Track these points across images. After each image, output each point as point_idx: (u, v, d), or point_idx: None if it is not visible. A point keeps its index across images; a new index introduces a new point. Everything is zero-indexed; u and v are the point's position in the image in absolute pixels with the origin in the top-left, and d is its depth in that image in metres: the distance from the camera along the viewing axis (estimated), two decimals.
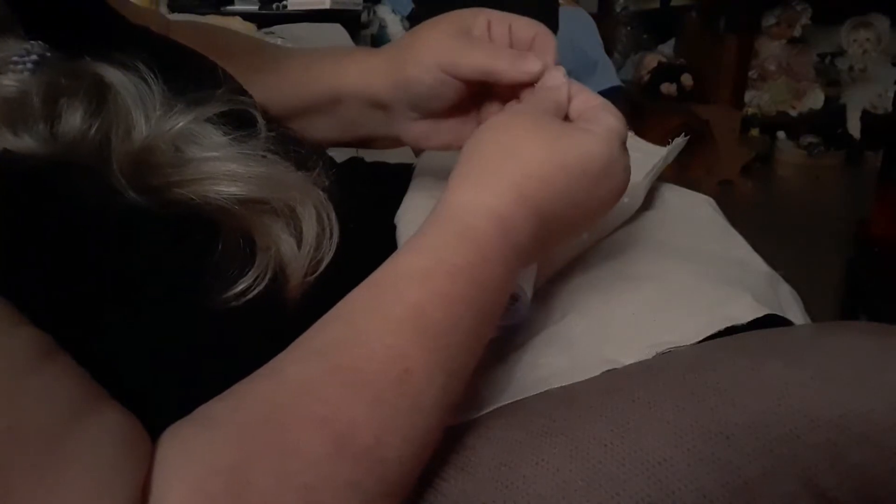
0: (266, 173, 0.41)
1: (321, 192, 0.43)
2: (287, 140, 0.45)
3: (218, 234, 0.38)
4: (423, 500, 0.37)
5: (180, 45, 0.50)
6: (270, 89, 0.57)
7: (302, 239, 0.41)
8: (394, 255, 0.40)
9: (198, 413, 0.33)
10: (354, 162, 0.68)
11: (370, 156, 0.70)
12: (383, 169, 0.69)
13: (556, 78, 0.48)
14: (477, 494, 0.36)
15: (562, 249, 0.53)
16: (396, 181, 0.61)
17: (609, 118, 0.44)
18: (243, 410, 0.33)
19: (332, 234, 0.42)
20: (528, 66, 0.48)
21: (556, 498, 0.35)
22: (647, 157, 0.63)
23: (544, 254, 0.46)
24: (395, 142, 0.57)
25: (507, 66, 0.48)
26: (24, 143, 0.35)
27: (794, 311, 0.53)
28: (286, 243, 0.40)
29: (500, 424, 0.40)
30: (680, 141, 0.64)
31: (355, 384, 0.34)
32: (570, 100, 0.47)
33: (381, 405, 0.34)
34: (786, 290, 0.56)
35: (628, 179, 0.45)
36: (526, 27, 0.52)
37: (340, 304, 0.38)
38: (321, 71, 0.57)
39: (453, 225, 0.40)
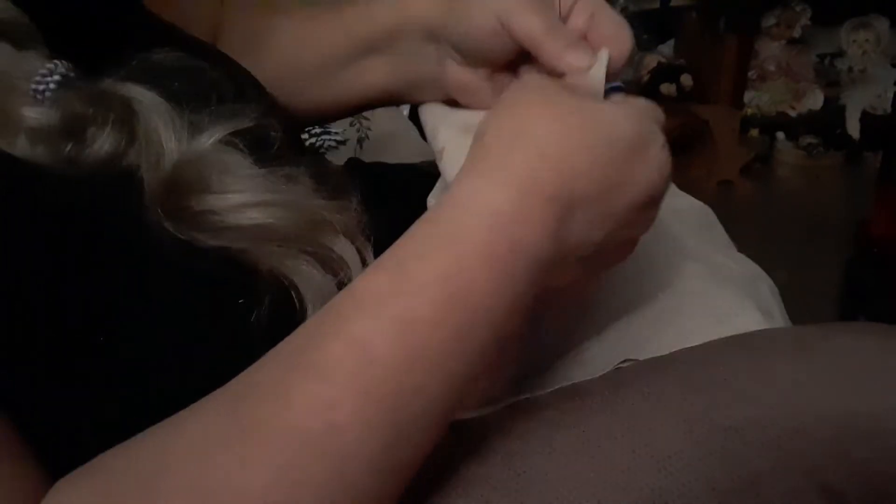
0: (295, 201, 0.39)
1: (354, 222, 0.41)
2: (316, 168, 0.44)
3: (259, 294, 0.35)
4: (432, 479, 0.37)
5: (209, 50, 0.50)
6: (333, 32, 0.54)
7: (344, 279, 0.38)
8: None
9: (86, 468, 0.30)
10: (353, 163, 0.69)
11: (370, 156, 0.70)
12: (383, 169, 0.69)
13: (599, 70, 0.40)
14: (490, 478, 0.36)
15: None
16: (396, 181, 0.62)
17: (635, 99, 0.39)
18: (123, 472, 0.29)
19: (364, 263, 0.39)
20: (574, 61, 0.41)
21: (567, 488, 0.35)
22: None
23: (584, 258, 0.37)
24: (440, 91, 0.51)
25: (553, 49, 0.41)
26: (35, 154, 0.35)
27: (776, 311, 0.53)
28: (324, 288, 0.37)
29: (511, 417, 0.40)
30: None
31: (256, 444, 0.28)
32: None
33: (288, 473, 0.28)
34: (766, 289, 0.56)
35: (669, 164, 0.38)
36: (608, 22, 0.43)
37: (283, 341, 0.32)
38: (384, 1, 0.52)
39: (431, 230, 0.33)
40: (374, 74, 0.54)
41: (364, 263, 0.39)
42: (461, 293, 0.31)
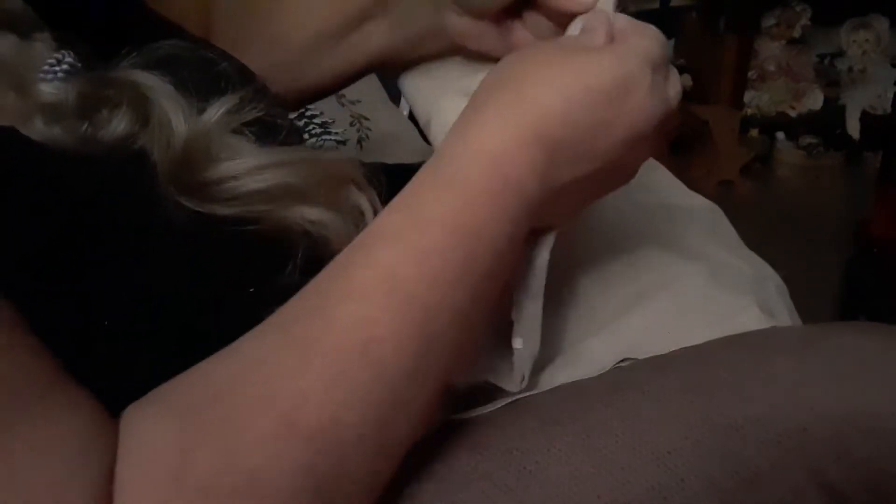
0: (307, 158, 0.40)
1: (362, 173, 0.42)
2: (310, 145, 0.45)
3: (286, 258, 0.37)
4: (433, 476, 0.37)
5: (207, 45, 0.50)
6: (323, 7, 0.54)
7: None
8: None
9: (152, 393, 0.32)
10: None
11: (370, 156, 0.71)
12: (382, 169, 0.69)
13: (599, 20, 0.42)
14: (489, 475, 0.36)
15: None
16: (396, 181, 0.62)
17: (635, 38, 0.40)
18: (193, 390, 0.32)
19: (376, 213, 0.40)
20: None
21: (567, 484, 0.35)
22: None
23: (571, 205, 0.41)
24: (443, 43, 0.51)
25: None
26: (52, 134, 0.35)
27: (780, 309, 0.54)
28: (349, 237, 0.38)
29: (511, 414, 0.40)
30: None
31: (311, 357, 0.32)
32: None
33: (340, 379, 0.31)
34: (772, 287, 0.56)
35: (661, 105, 0.39)
36: None
37: (317, 276, 0.35)
38: None
39: (435, 173, 0.37)
40: (371, 40, 0.54)
41: (377, 212, 0.41)
42: (466, 225, 0.35)
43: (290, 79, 0.56)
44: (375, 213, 0.41)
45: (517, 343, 0.42)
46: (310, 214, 0.39)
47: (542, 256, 0.42)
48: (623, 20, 0.42)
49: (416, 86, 0.54)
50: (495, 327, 0.43)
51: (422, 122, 0.53)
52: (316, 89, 0.59)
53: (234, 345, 0.33)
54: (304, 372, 0.31)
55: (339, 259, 0.35)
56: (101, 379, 0.32)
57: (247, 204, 0.38)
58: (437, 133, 0.50)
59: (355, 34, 0.54)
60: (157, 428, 0.30)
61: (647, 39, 0.40)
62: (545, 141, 0.37)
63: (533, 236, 0.41)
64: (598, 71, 0.38)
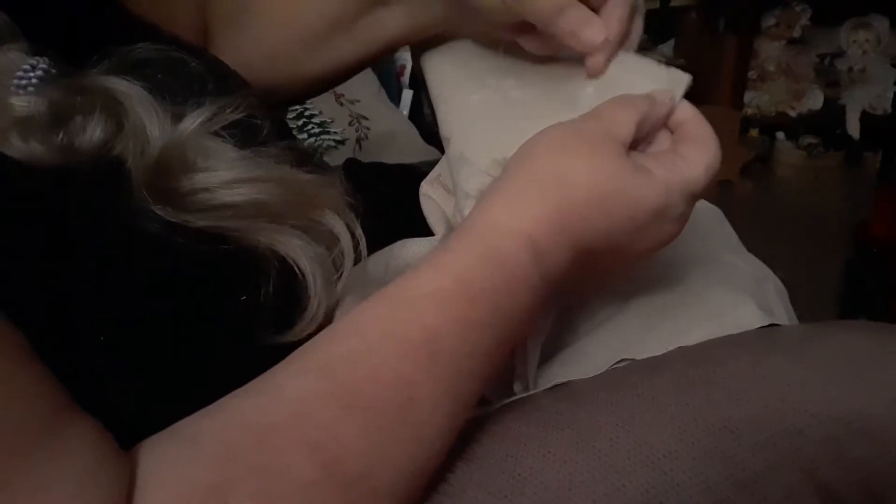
0: (283, 177, 0.40)
1: (341, 197, 0.42)
2: (297, 150, 0.45)
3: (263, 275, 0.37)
4: (433, 482, 0.37)
5: (187, 45, 0.50)
6: None
7: (341, 257, 0.40)
8: (413, 268, 0.38)
9: (180, 428, 0.32)
10: (351, 163, 0.68)
11: (368, 156, 0.71)
12: (382, 169, 0.69)
13: (664, 95, 0.43)
14: (484, 483, 0.36)
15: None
16: (394, 181, 0.62)
17: (687, 166, 0.41)
18: (232, 428, 0.32)
19: (358, 242, 0.41)
20: (591, 36, 0.43)
21: (563, 489, 0.35)
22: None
23: (573, 290, 0.44)
24: (464, 28, 0.50)
25: (567, 31, 0.42)
26: (30, 149, 0.35)
27: (780, 309, 0.53)
28: (319, 262, 0.39)
29: (505, 418, 0.40)
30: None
31: (355, 408, 0.33)
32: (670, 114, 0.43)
33: (380, 433, 0.33)
34: (772, 288, 0.56)
35: (679, 231, 0.42)
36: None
37: (352, 316, 0.36)
38: None
39: (481, 245, 0.38)
40: (389, 26, 0.53)
41: (353, 237, 0.41)
42: (505, 306, 0.37)
43: (291, 65, 0.55)
44: (354, 236, 0.41)
45: (517, 387, 0.44)
46: (281, 238, 0.39)
47: (550, 315, 0.44)
48: (689, 114, 0.43)
49: (434, 67, 0.53)
50: None
51: (434, 104, 0.53)
52: (334, 74, 0.58)
53: (271, 383, 0.34)
54: (346, 423, 0.32)
55: (382, 310, 0.36)
56: (92, 399, 0.31)
57: (219, 218, 0.37)
58: (444, 128, 0.50)
59: (368, 18, 0.53)
60: (192, 466, 0.30)
61: (700, 163, 0.41)
62: (579, 248, 0.39)
63: None
64: (644, 204, 0.39)
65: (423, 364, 0.34)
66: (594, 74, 0.45)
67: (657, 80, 0.44)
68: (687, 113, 0.43)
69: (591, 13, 0.43)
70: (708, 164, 0.41)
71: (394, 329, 0.35)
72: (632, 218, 0.39)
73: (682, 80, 0.44)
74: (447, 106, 0.51)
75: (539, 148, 0.40)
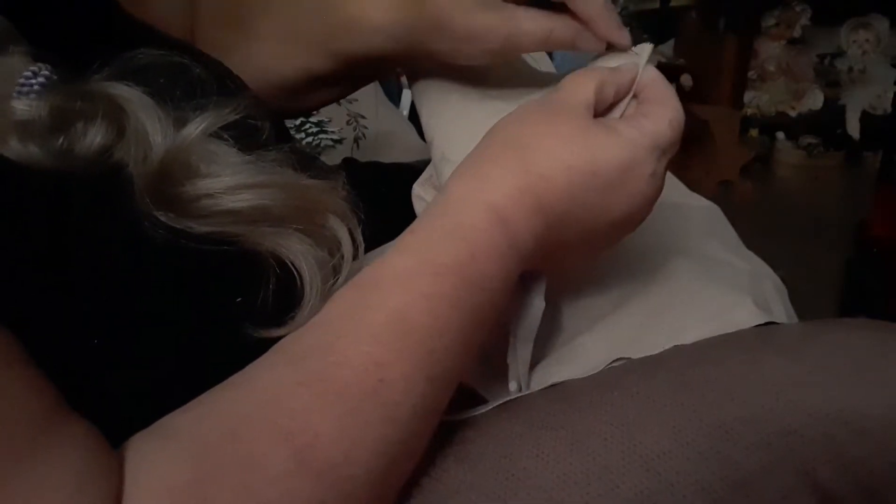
0: (286, 182, 0.40)
1: (343, 202, 0.42)
2: (299, 153, 0.45)
3: (261, 273, 0.38)
4: (421, 489, 0.37)
5: (188, 48, 0.50)
6: (313, 55, 0.53)
7: (341, 261, 0.40)
8: (381, 255, 0.38)
9: (160, 425, 0.32)
10: (348, 163, 0.68)
11: (366, 156, 0.70)
12: (379, 169, 0.69)
13: (627, 60, 0.45)
14: (477, 485, 0.36)
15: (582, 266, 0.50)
16: (392, 180, 0.61)
17: (651, 122, 0.42)
18: (206, 422, 0.32)
19: (359, 248, 0.41)
20: (621, 38, 0.45)
21: (556, 489, 0.35)
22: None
23: (557, 264, 0.43)
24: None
25: (607, 25, 0.44)
26: (28, 152, 0.35)
27: (778, 307, 0.53)
28: (321, 266, 0.39)
29: (500, 418, 0.40)
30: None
31: (325, 395, 0.33)
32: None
33: (352, 417, 0.33)
34: (770, 286, 0.56)
35: (656, 194, 0.42)
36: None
37: (325, 307, 0.37)
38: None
39: (444, 221, 0.38)
40: (365, 75, 0.55)
41: (355, 242, 0.42)
42: (473, 277, 0.37)
43: (284, 104, 0.55)
44: (354, 243, 0.42)
45: (513, 386, 0.44)
46: (284, 242, 0.39)
47: (536, 305, 0.43)
48: (651, 76, 0.44)
49: (422, 92, 0.54)
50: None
51: (417, 108, 0.54)
52: (328, 102, 0.59)
53: (245, 376, 0.34)
54: (318, 410, 0.32)
55: (350, 296, 0.37)
56: (90, 402, 0.31)
57: (222, 224, 0.38)
58: (427, 131, 0.51)
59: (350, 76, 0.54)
60: (170, 465, 0.30)
61: (663, 118, 0.42)
62: (546, 210, 0.39)
63: (521, 279, 0.42)
64: (606, 157, 0.40)
65: (392, 345, 0.34)
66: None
67: (625, 59, 0.46)
68: (650, 75, 0.44)
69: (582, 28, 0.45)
70: (671, 118, 0.42)
71: (362, 314, 0.35)
72: (594, 174, 0.39)
73: (645, 48, 0.46)
74: (428, 108, 0.52)
75: (500, 124, 0.42)
